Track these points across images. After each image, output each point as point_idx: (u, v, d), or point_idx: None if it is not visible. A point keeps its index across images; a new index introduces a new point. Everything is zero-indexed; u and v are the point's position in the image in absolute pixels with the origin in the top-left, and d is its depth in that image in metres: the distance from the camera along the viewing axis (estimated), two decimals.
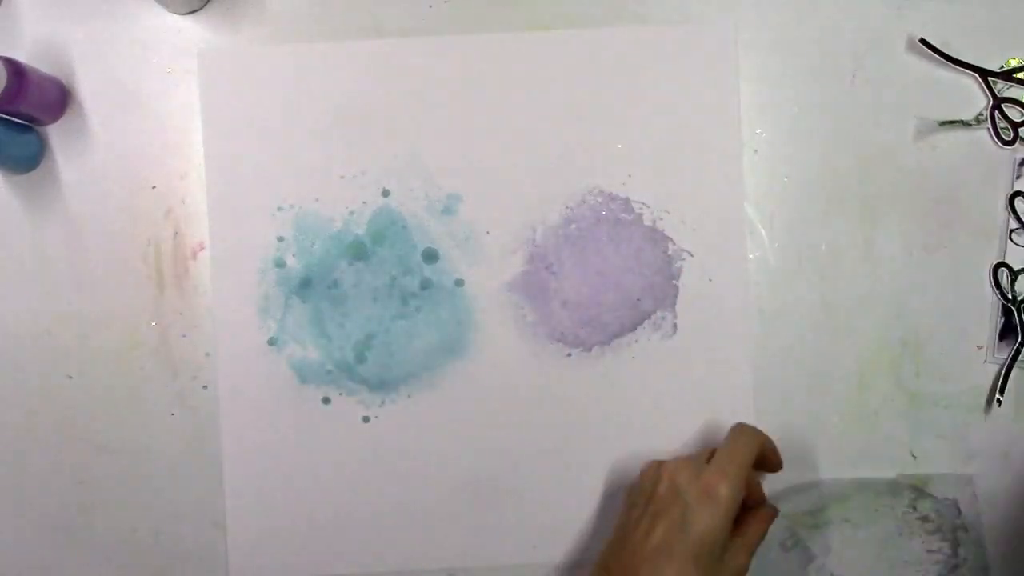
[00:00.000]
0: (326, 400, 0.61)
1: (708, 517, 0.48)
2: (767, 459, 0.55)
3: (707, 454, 0.53)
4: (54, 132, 0.61)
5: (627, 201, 0.61)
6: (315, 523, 0.61)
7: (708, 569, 0.47)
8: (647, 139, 0.61)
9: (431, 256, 0.61)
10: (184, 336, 0.61)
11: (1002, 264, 0.61)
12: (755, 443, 0.52)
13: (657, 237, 0.61)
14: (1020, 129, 0.61)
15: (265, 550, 0.61)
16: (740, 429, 0.54)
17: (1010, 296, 0.61)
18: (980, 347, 0.62)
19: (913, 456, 0.62)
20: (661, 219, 0.61)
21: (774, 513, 0.55)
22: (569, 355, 0.61)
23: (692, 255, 0.61)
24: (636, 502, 0.52)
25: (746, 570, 0.50)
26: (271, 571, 0.61)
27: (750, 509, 0.53)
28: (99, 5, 0.61)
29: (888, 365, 0.62)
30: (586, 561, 0.61)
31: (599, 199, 0.61)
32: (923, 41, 0.61)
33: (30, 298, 0.61)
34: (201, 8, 0.62)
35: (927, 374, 0.62)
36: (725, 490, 0.48)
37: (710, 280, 0.61)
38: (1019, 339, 0.61)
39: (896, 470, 0.62)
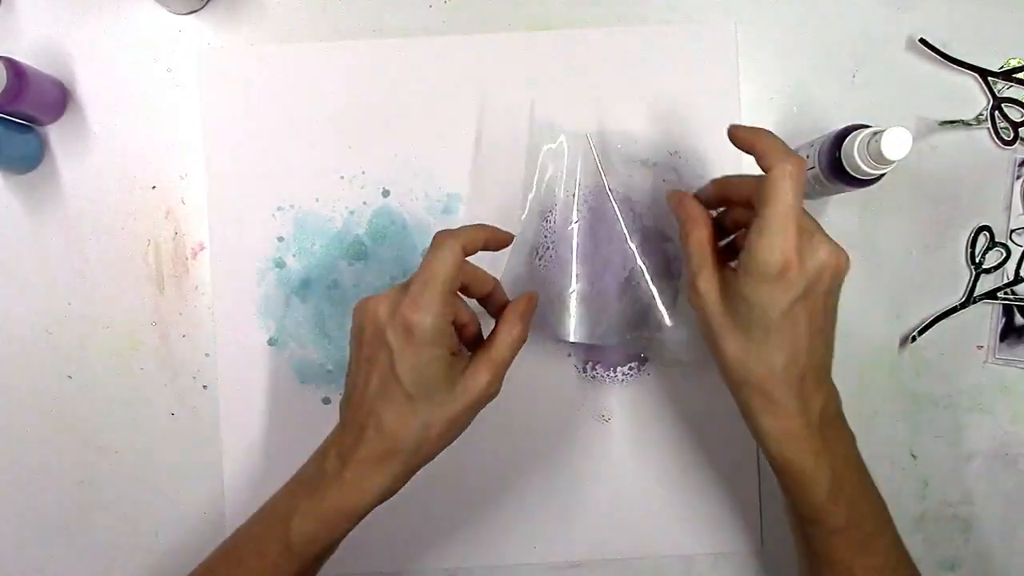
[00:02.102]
0: (326, 400, 0.61)
1: (411, 355, 0.44)
2: (474, 278, 0.49)
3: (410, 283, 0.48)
4: (54, 132, 0.61)
5: (627, 200, 0.61)
6: None
7: (432, 402, 0.45)
8: (647, 138, 0.61)
9: None
10: (184, 336, 0.61)
11: (984, 228, 0.61)
12: (450, 259, 0.45)
13: (658, 238, 0.61)
14: (1020, 129, 0.61)
15: None
16: (435, 243, 0.46)
17: (979, 260, 0.61)
18: (980, 347, 0.62)
19: (913, 456, 0.62)
20: (661, 218, 0.61)
21: (518, 322, 0.48)
22: (569, 355, 0.61)
23: None
24: (352, 347, 0.49)
25: (492, 386, 0.47)
26: None
27: (503, 321, 0.49)
28: (99, 5, 0.61)
29: (888, 365, 0.62)
30: (585, 561, 0.61)
31: (599, 199, 0.61)
32: (923, 41, 0.61)
33: (30, 298, 0.61)
34: (201, 8, 0.62)
35: (927, 374, 0.62)
36: (420, 319, 0.44)
37: None
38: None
39: (896, 470, 0.62)
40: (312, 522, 0.46)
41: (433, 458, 0.47)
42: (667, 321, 0.57)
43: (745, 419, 0.48)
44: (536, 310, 0.51)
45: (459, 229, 0.47)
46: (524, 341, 0.49)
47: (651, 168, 0.61)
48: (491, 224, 0.50)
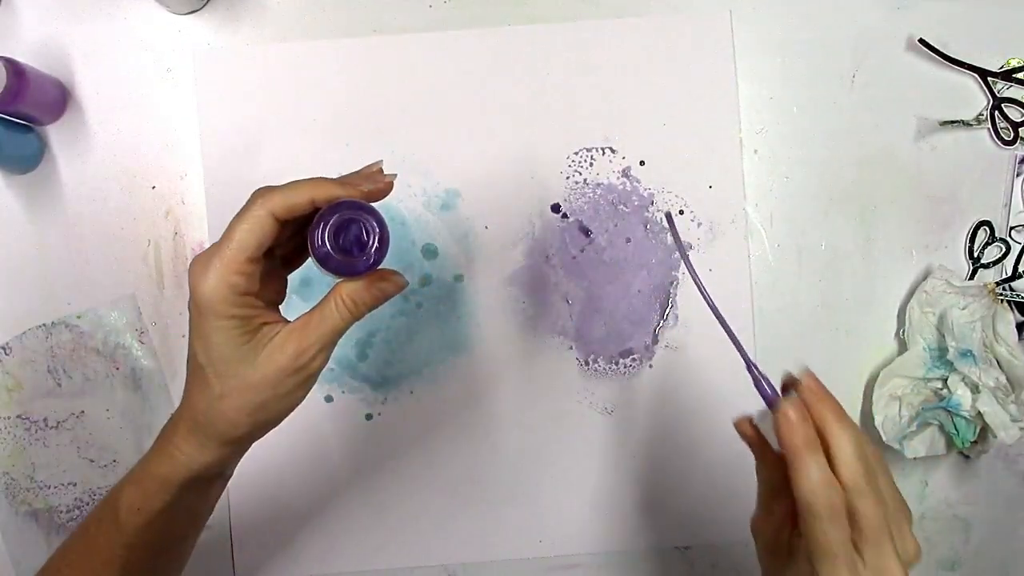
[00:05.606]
0: (328, 398, 0.61)
1: (199, 324, 0.41)
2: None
3: None
4: (54, 132, 0.61)
5: (626, 193, 0.61)
6: (318, 520, 0.61)
7: (226, 373, 0.41)
8: (645, 131, 0.61)
9: (430, 252, 0.61)
10: (184, 336, 0.61)
11: (984, 223, 0.62)
12: (251, 228, 0.42)
13: (656, 229, 0.61)
14: (1020, 129, 0.61)
15: (269, 548, 0.61)
16: (246, 203, 0.43)
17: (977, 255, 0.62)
18: None
19: (913, 456, 0.62)
20: (660, 211, 0.61)
21: (354, 295, 0.43)
22: (571, 348, 0.61)
23: (692, 247, 0.61)
24: None
25: (299, 358, 0.41)
26: (276, 568, 0.61)
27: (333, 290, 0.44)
28: (99, 5, 0.61)
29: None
30: (586, 559, 0.61)
31: (597, 191, 0.61)
32: (923, 41, 0.61)
33: (30, 298, 0.61)
34: (201, 8, 0.62)
35: None
36: (203, 288, 0.40)
37: (710, 270, 0.61)
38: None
39: (896, 470, 0.62)
40: (133, 489, 0.44)
41: (255, 433, 0.43)
42: None
43: None
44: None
45: (278, 188, 0.42)
46: (359, 312, 0.43)
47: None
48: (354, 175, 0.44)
